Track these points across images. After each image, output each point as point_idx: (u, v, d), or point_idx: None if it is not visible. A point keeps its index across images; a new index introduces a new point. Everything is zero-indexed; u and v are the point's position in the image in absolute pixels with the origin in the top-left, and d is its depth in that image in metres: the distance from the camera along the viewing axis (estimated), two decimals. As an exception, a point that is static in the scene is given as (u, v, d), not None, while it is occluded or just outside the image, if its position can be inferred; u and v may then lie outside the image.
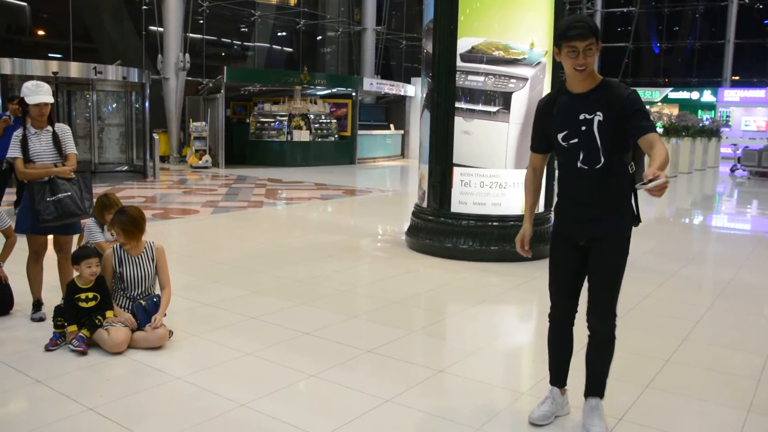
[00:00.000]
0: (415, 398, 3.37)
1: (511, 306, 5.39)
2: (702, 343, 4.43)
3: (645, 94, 30.04)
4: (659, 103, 29.22)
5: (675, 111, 26.54)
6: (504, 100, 6.32)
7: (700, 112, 28.86)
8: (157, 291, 4.20)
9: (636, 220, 2.95)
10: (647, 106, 3.07)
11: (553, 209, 3.06)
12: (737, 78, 32.51)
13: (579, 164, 2.84)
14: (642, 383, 3.63)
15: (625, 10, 34.93)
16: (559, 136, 2.88)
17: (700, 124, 21.50)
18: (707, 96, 30.71)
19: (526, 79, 6.33)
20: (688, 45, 34.31)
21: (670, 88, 31.59)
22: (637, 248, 7.77)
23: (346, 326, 4.54)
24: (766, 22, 33.69)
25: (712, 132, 21.82)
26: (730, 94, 30.06)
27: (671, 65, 35.53)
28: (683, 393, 3.55)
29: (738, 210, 13.07)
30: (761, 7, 32.58)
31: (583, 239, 2.94)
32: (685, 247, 8.38)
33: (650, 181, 2.35)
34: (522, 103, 6.34)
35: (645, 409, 3.31)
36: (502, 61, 6.30)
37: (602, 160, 2.80)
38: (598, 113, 2.76)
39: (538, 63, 6.39)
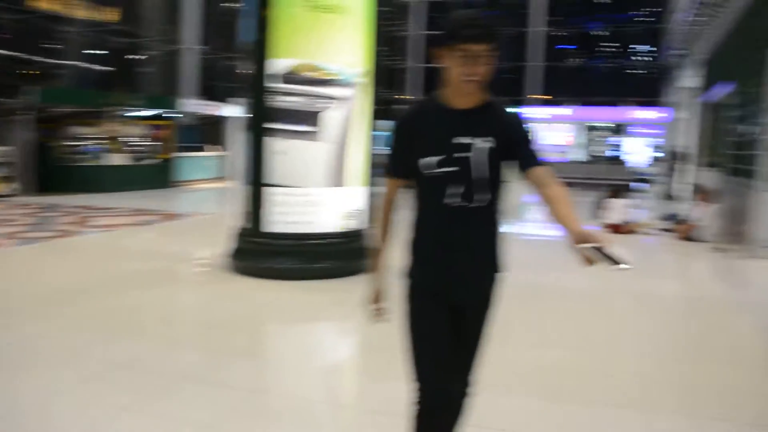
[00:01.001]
0: (238, 422, 3.36)
1: (333, 322, 5.51)
2: (513, 343, 4.78)
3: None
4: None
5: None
6: (318, 120, 6.46)
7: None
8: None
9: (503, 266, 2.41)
10: None
11: (411, 257, 2.39)
12: (543, 97, 35.43)
13: (449, 200, 2.22)
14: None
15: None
16: (426, 162, 2.23)
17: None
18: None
19: (339, 100, 6.52)
20: (499, 66, 36.81)
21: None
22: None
23: (165, 355, 4.41)
24: (558, 47, 37.28)
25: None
26: (538, 112, 32.63)
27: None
28: (501, 391, 3.81)
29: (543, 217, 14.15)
30: (564, 34, 35.94)
31: (463, 298, 2.35)
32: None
33: (610, 259, 1.86)
34: (335, 122, 6.53)
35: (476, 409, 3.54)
36: (316, 82, 6.44)
37: (482, 196, 2.24)
38: (485, 137, 2.21)
39: (353, 84, 6.61)
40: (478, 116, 2.24)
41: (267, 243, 6.61)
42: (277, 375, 4.22)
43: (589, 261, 1.88)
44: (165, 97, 21.50)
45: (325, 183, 6.59)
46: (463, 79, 2.16)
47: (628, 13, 40.34)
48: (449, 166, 2.21)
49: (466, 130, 2.22)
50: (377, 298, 2.47)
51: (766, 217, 8.52)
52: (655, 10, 36.83)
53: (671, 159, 20.73)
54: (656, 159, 29.58)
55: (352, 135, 6.68)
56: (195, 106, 21.72)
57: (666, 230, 10.92)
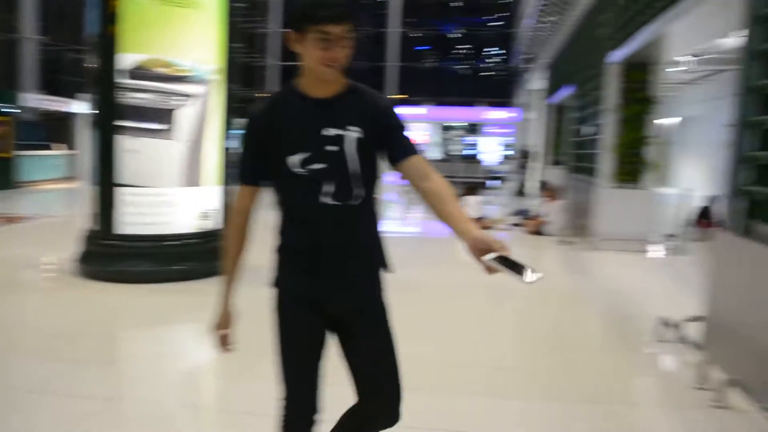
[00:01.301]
0: (90, 432, 3.24)
1: (190, 324, 5.38)
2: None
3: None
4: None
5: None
6: (171, 117, 6.29)
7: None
8: None
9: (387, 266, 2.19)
10: None
11: (278, 264, 2.15)
12: (400, 96, 36.33)
13: (323, 199, 1.99)
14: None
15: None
16: (294, 159, 1.98)
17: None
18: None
19: (193, 97, 6.39)
20: (358, 66, 37.47)
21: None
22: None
23: (9, 367, 4.13)
24: (416, 48, 38.43)
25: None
26: (398, 111, 33.40)
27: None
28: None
29: (409, 214, 14.54)
30: (420, 36, 37.03)
31: (338, 307, 2.10)
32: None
33: (516, 269, 1.69)
34: (189, 120, 6.39)
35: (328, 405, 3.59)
36: (167, 78, 6.27)
37: (359, 192, 2.02)
38: (352, 127, 1.99)
39: (206, 80, 6.48)
40: (342, 104, 2.01)
41: (118, 245, 6.34)
42: (133, 381, 4.08)
43: (491, 270, 1.74)
44: (2, 91, 20.05)
45: (180, 182, 6.43)
46: (323, 65, 1.91)
47: (482, 17, 42.20)
48: (318, 163, 1.98)
49: (333, 121, 1.99)
50: (223, 323, 2.18)
51: (604, 212, 9.19)
52: (505, 15, 38.78)
53: (522, 157, 21.88)
54: (508, 157, 31.15)
55: (206, 133, 6.55)
56: (37, 100, 20.43)
57: (517, 225, 11.53)
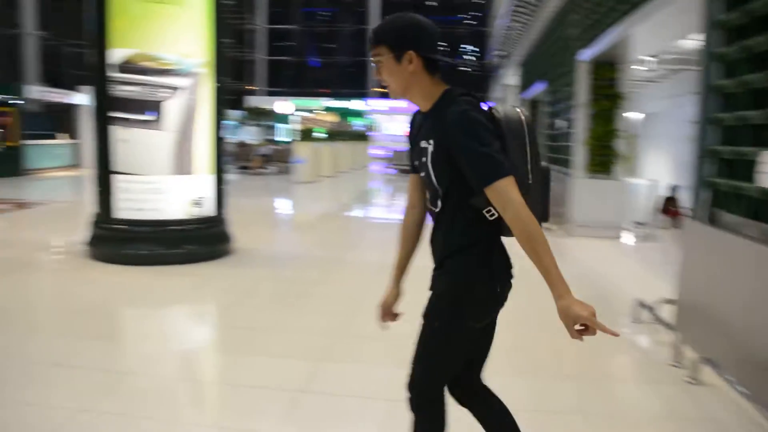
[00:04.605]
0: (108, 403, 3.16)
1: (192, 305, 5.26)
2: (367, 316, 4.76)
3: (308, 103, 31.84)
4: (322, 111, 31.21)
5: (336, 118, 28.58)
6: (158, 109, 6.15)
7: (351, 118, 31.81)
8: None
9: (494, 282, 2.07)
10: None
11: None
12: (382, 90, 36.22)
13: (428, 202, 2.06)
14: (317, 357, 3.92)
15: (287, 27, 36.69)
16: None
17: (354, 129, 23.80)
18: (358, 105, 33.67)
19: (179, 89, 6.23)
20: (341, 61, 37.33)
21: (329, 98, 34.20)
22: (304, 240, 8.12)
23: (28, 341, 4.04)
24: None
25: (363, 136, 24.07)
26: (377, 104, 33.30)
27: (329, 77, 38.63)
28: (354, 361, 3.91)
29: (391, 201, 14.51)
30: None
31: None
32: (345, 236, 9.06)
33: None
34: (175, 111, 6.24)
35: (323, 378, 3.60)
36: (153, 72, 6.11)
37: (438, 203, 1.96)
38: (430, 141, 1.90)
39: (192, 73, 6.30)
40: (430, 118, 1.94)
41: (120, 229, 6.22)
42: (142, 356, 4.03)
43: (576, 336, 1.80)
44: (5, 84, 19.65)
45: (169, 170, 6.28)
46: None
47: (457, 15, 41.88)
48: (422, 172, 1.99)
49: (423, 134, 1.95)
50: (387, 301, 2.30)
51: (579, 201, 9.17)
52: (479, 14, 38.58)
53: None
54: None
55: (195, 123, 6.38)
56: (41, 92, 20.07)
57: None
